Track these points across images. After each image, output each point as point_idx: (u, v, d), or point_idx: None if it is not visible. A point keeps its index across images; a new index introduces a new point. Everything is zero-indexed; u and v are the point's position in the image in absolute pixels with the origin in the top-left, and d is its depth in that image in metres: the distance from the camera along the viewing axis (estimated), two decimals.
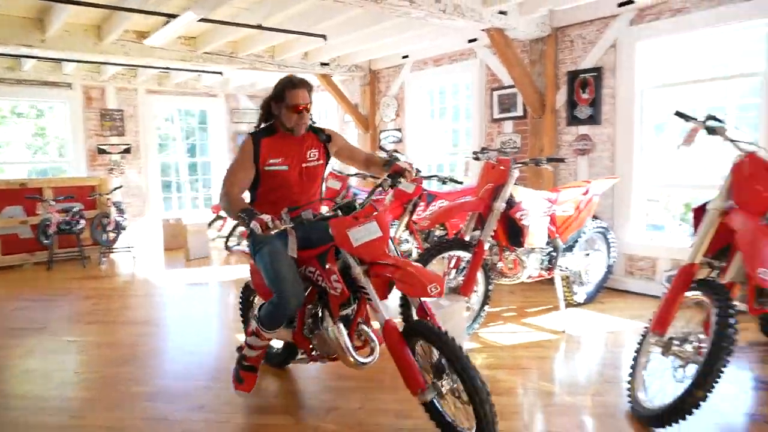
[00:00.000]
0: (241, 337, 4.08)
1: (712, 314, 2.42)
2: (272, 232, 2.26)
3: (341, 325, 2.51)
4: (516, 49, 5.56)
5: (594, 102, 5.33)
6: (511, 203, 3.79)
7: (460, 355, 2.13)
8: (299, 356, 3.02)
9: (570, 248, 4.35)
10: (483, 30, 5.26)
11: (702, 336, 2.50)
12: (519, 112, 6.03)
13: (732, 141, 2.77)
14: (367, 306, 2.52)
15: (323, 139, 2.86)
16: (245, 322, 3.45)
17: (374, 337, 2.57)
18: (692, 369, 2.44)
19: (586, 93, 5.39)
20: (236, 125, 10.04)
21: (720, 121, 2.81)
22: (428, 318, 2.38)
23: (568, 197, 4.21)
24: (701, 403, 2.32)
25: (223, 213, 8.43)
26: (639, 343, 2.79)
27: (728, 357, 2.28)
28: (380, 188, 2.60)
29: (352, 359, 2.47)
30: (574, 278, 4.57)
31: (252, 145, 2.71)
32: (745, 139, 2.84)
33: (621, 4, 4.93)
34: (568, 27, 5.50)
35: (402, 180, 2.64)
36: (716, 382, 2.29)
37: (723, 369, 2.28)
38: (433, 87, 7.46)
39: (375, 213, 2.44)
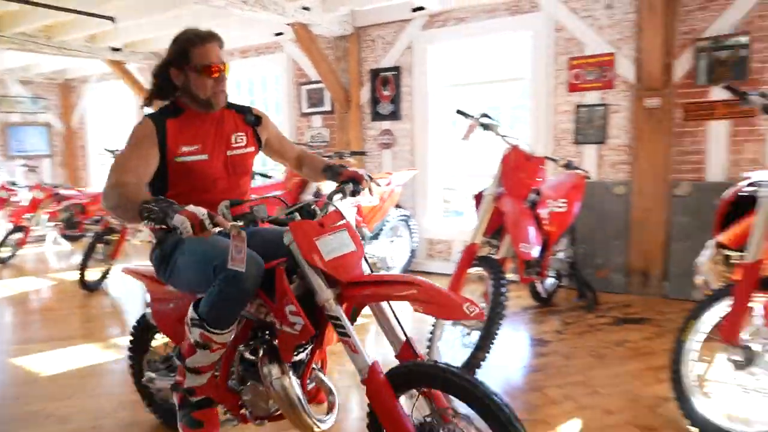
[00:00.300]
0: (26, 360, 3.52)
1: (489, 285, 2.80)
2: (214, 232, 1.57)
3: (293, 376, 1.84)
4: (321, 45, 5.68)
5: (395, 99, 5.71)
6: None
7: (499, 404, 1.50)
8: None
9: (376, 236, 4.64)
10: (288, 24, 5.28)
11: (483, 305, 2.87)
12: (327, 107, 6.19)
13: (501, 136, 3.23)
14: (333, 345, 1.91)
15: (251, 120, 2.18)
16: (136, 373, 2.55)
17: (333, 389, 2.01)
18: (476, 335, 2.79)
19: (387, 90, 5.75)
20: (6, 115, 8.55)
21: (492, 118, 3.24)
22: (418, 358, 1.74)
23: None
24: (482, 362, 2.68)
25: None
26: (435, 318, 3.09)
27: (501, 321, 2.66)
28: (339, 194, 2.00)
29: (309, 420, 1.81)
30: (381, 264, 4.88)
31: (154, 128, 1.96)
32: (513, 134, 3.33)
33: (414, 9, 5.35)
34: (370, 27, 5.80)
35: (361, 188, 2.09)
36: (493, 343, 2.66)
37: (498, 331, 2.65)
38: (241, 79, 7.25)
39: (344, 221, 1.85)
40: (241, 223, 1.63)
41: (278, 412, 1.94)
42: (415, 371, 1.65)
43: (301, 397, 1.81)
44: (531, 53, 4.98)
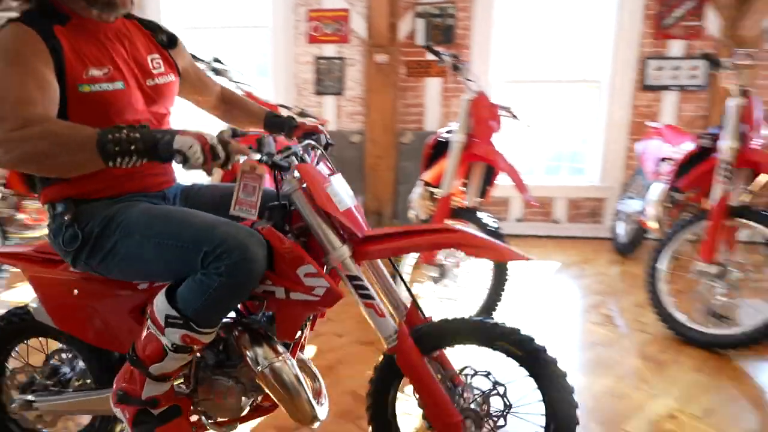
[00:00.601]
0: None
1: None
2: (238, 160, 1.24)
3: (292, 359, 1.49)
4: None
5: None
6: None
7: (544, 349, 1.43)
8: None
9: None
10: None
11: None
12: None
13: (235, 82, 3.19)
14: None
15: (163, 41, 1.59)
16: None
17: (318, 373, 1.73)
18: None
19: None
20: None
21: (223, 63, 3.17)
22: (427, 321, 1.54)
23: None
24: None
25: None
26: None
27: None
28: (312, 146, 1.62)
29: (309, 409, 1.47)
30: None
31: (41, 39, 1.28)
32: (246, 80, 3.32)
33: None
34: None
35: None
36: None
37: None
38: None
39: (334, 170, 1.60)
40: (256, 156, 1.32)
41: (246, 413, 1.60)
42: (446, 330, 1.50)
43: (303, 380, 1.49)
44: (271, 1, 4.95)
